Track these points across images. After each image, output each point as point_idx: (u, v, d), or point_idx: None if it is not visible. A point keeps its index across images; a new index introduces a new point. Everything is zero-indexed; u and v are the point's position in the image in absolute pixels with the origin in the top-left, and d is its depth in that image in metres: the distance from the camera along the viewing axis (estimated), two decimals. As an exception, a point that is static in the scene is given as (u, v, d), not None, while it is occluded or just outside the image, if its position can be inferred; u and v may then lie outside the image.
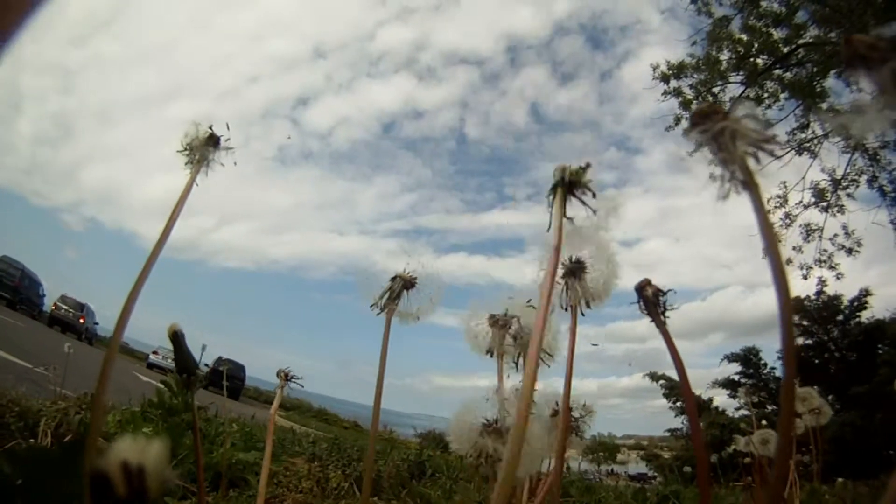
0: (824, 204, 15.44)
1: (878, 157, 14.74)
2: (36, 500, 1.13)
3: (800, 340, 26.22)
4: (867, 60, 0.57)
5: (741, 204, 0.61)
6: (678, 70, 15.82)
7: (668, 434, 31.84)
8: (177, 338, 1.30)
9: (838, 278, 15.90)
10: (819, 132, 15.15)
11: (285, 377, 1.66)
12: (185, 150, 1.09)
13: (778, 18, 14.61)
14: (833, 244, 15.38)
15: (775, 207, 15.77)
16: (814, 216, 15.72)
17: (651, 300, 1.05)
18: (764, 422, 3.62)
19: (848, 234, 15.20)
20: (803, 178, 15.66)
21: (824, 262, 15.58)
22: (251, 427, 5.00)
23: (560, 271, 1.15)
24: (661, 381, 28.31)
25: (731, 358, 28.62)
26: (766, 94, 15.62)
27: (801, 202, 15.77)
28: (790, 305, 0.60)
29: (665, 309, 1.05)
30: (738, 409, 24.94)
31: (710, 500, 1.26)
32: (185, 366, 1.34)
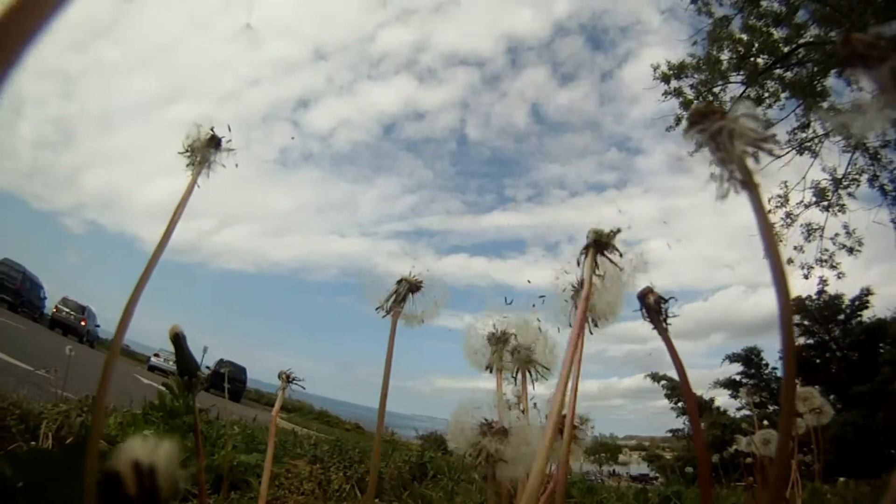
0: (825, 203, 15.44)
1: (878, 156, 14.75)
2: (37, 503, 1.13)
3: (801, 340, 26.17)
4: (866, 59, 0.57)
5: (742, 204, 0.61)
6: (679, 70, 15.83)
7: (669, 435, 31.80)
8: (178, 339, 1.30)
9: (839, 278, 15.92)
10: (820, 132, 15.16)
11: (287, 379, 1.65)
12: (187, 151, 1.08)
13: (778, 18, 14.61)
14: (834, 243, 15.39)
15: (776, 207, 15.79)
16: (815, 216, 15.74)
17: (653, 307, 1.07)
18: (766, 422, 3.61)
19: (849, 234, 15.21)
20: (804, 177, 15.67)
21: (825, 261, 15.58)
22: (252, 429, 5.00)
23: (570, 290, 1.19)
24: (663, 382, 28.29)
25: (733, 358, 28.58)
26: (766, 94, 15.62)
27: (801, 202, 15.78)
28: (790, 305, 0.60)
29: (667, 316, 1.07)
30: (739, 409, 24.91)
31: (712, 501, 1.26)
32: (186, 368, 1.34)
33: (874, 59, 0.56)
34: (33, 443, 2.57)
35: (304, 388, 1.69)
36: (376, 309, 1.20)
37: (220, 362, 24.11)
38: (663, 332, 1.06)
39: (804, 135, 15.55)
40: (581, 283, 1.15)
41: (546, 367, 1.26)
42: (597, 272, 0.97)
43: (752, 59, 15.42)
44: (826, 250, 15.51)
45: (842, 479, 4.50)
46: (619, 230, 0.95)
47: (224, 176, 1.12)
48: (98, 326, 31.70)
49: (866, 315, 24.85)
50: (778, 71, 15.42)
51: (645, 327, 1.07)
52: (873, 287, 24.74)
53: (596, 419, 1.47)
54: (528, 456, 1.01)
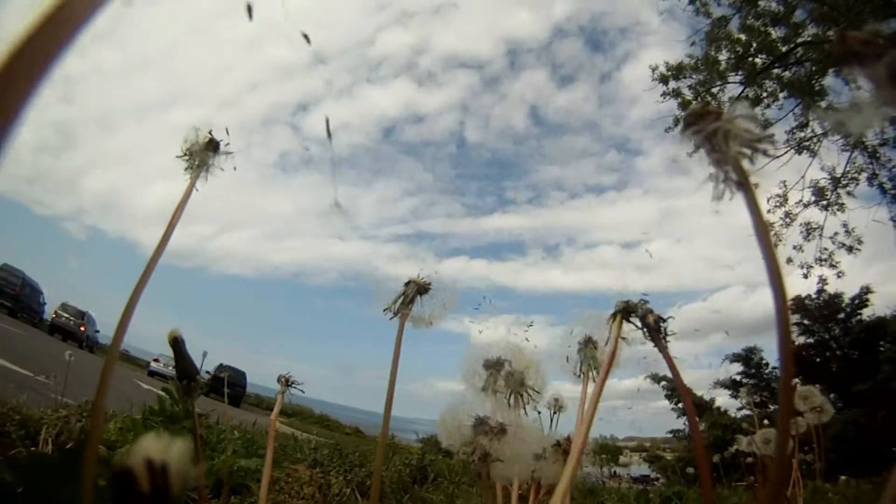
0: (824, 202, 15.46)
1: (877, 154, 14.76)
2: (37, 508, 1.13)
3: (801, 339, 26.17)
4: (861, 57, 0.57)
5: (741, 204, 0.61)
6: (677, 71, 15.84)
7: (670, 435, 31.76)
8: (177, 344, 1.30)
9: (839, 276, 15.93)
10: (818, 131, 15.18)
11: (286, 383, 1.65)
12: (185, 155, 1.08)
13: (776, 17, 14.63)
14: (833, 242, 15.41)
15: (775, 206, 15.80)
16: (814, 215, 15.76)
17: (653, 327, 1.15)
18: (766, 421, 3.61)
19: (848, 233, 15.22)
20: (803, 176, 15.71)
21: (825, 260, 15.60)
22: (252, 434, 5.00)
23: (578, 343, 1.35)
24: (663, 383, 28.27)
25: (733, 358, 28.59)
26: (765, 94, 15.65)
27: (800, 201, 15.80)
28: (786, 305, 0.60)
29: (666, 334, 1.14)
30: (739, 409, 24.92)
31: (713, 500, 1.26)
32: (185, 372, 1.34)
33: (870, 57, 0.56)
34: (33, 448, 2.57)
35: (303, 392, 1.68)
36: (384, 310, 1.20)
37: (220, 367, 24.08)
38: (663, 350, 1.13)
39: (803, 134, 15.57)
40: (587, 340, 1.34)
41: (537, 390, 1.33)
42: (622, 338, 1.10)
43: (750, 58, 15.44)
44: (825, 249, 15.54)
45: (843, 477, 4.49)
46: (646, 301, 1.08)
47: (224, 180, 1.12)
48: (97, 332, 31.65)
49: (866, 313, 24.88)
50: (776, 70, 15.44)
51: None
52: (873, 285, 24.77)
53: (596, 421, 1.50)
54: (525, 455, 1.03)
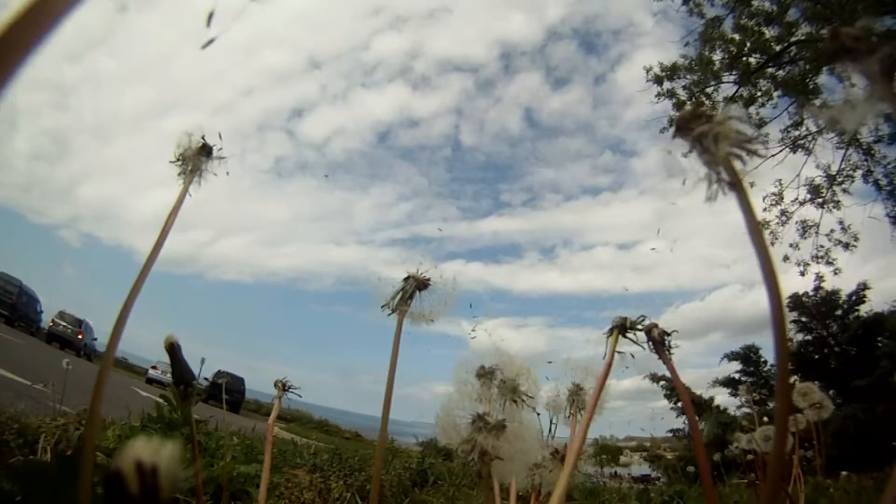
0: (820, 200, 15.53)
1: (872, 151, 14.83)
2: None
3: (799, 336, 26.23)
4: (854, 52, 0.57)
5: (735, 203, 0.62)
6: (671, 71, 15.90)
7: (670, 435, 31.78)
8: (173, 349, 1.30)
9: (836, 273, 16.02)
10: (813, 129, 15.25)
11: (283, 387, 1.65)
12: (178, 160, 1.08)
13: (769, 17, 14.69)
14: (830, 239, 15.49)
15: (771, 205, 15.86)
16: (810, 212, 15.81)
17: (658, 340, 1.24)
18: (766, 419, 3.62)
19: (844, 230, 15.30)
20: (798, 174, 15.78)
21: (821, 257, 15.67)
22: (252, 440, 4.99)
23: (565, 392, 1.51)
24: (662, 383, 28.31)
25: (731, 356, 28.63)
26: (759, 93, 15.73)
27: (796, 199, 15.87)
28: (781, 302, 0.60)
29: (670, 347, 1.25)
30: (739, 407, 24.94)
31: (715, 498, 1.27)
32: (182, 377, 1.34)
33: (862, 53, 0.56)
34: (31, 457, 2.56)
35: (300, 397, 1.68)
36: (382, 307, 1.17)
37: (219, 373, 24.09)
38: (668, 362, 1.24)
39: (797, 132, 15.65)
40: (575, 389, 1.50)
41: (531, 395, 1.34)
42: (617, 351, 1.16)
43: (744, 58, 15.49)
44: (822, 246, 15.61)
45: (844, 473, 4.50)
46: (642, 318, 1.14)
47: (219, 186, 1.12)
48: (95, 340, 31.60)
49: (864, 309, 24.94)
50: (770, 70, 15.51)
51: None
52: (870, 281, 24.83)
53: (598, 421, 1.54)
54: (525, 453, 1.03)
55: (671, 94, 15.93)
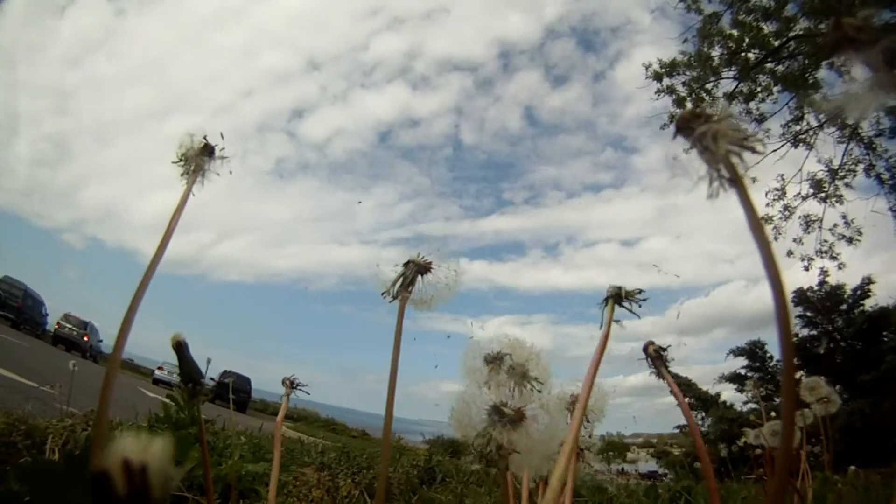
0: (822, 194, 15.47)
1: (873, 145, 14.77)
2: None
3: (805, 331, 26.25)
4: (856, 42, 0.57)
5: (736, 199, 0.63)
6: (670, 68, 15.85)
7: (677, 431, 31.77)
8: (180, 348, 1.30)
9: (840, 268, 15.92)
10: (814, 123, 15.21)
11: (291, 385, 1.65)
12: (180, 160, 1.08)
13: (767, 12, 14.65)
14: (833, 234, 15.41)
15: (774, 200, 15.82)
16: (813, 207, 15.76)
17: (654, 356, 1.34)
18: (773, 413, 3.61)
19: (848, 224, 15.23)
20: (800, 169, 15.73)
21: (825, 252, 15.60)
22: (259, 438, 5.00)
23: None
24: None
25: (737, 352, 28.64)
26: (759, 89, 15.67)
27: (799, 194, 15.81)
28: (785, 298, 0.61)
29: (666, 361, 1.34)
30: (745, 403, 24.95)
31: (716, 491, 1.28)
32: (190, 375, 1.34)
33: (865, 43, 0.56)
34: (40, 457, 2.57)
35: (308, 394, 1.68)
36: (382, 294, 1.14)
37: (225, 373, 24.15)
38: (666, 376, 1.34)
39: (798, 127, 15.60)
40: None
41: (541, 381, 1.30)
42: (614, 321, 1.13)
43: (743, 54, 15.45)
44: (825, 241, 15.55)
45: (852, 467, 4.49)
46: (639, 290, 1.12)
47: (221, 188, 1.11)
48: (101, 341, 31.72)
49: (868, 304, 24.95)
50: (769, 65, 15.45)
51: (647, 326, 1.24)
52: (874, 276, 24.83)
53: (604, 418, 1.55)
54: (544, 444, 0.99)
55: (671, 90, 15.88)
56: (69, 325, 28.83)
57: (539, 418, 1.01)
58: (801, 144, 15.59)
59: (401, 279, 1.14)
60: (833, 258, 15.64)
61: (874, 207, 14.91)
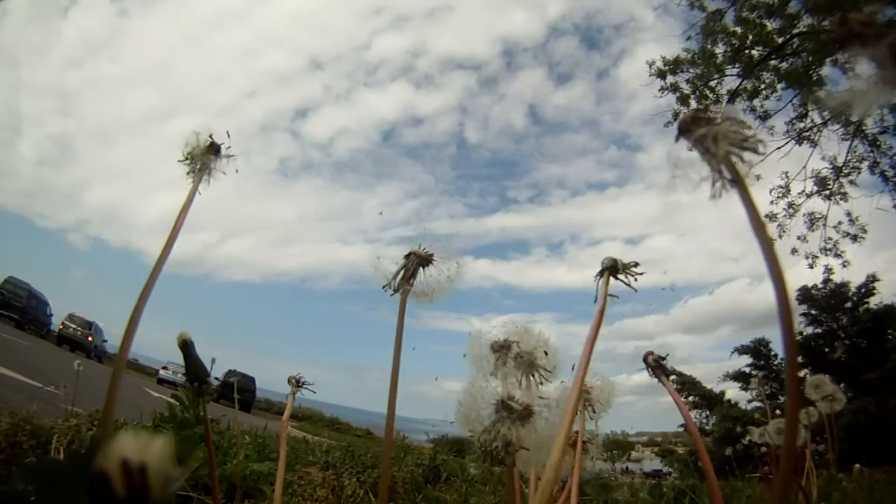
0: (827, 192, 15.41)
1: (878, 142, 14.72)
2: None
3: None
4: (863, 37, 0.57)
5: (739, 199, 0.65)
6: (674, 65, 15.81)
7: (681, 429, 31.73)
8: (186, 346, 1.30)
9: (844, 266, 15.88)
10: (818, 121, 15.17)
11: (296, 383, 1.65)
12: (187, 159, 1.08)
13: (771, 9, 14.61)
14: (838, 232, 15.35)
15: (778, 197, 15.78)
16: (817, 205, 15.71)
17: (654, 365, 1.40)
18: (778, 412, 3.60)
19: (852, 221, 15.16)
20: (804, 167, 15.67)
21: (830, 250, 15.55)
22: (264, 438, 5.00)
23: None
24: (673, 377, 28.19)
25: (742, 350, 28.56)
26: (762, 86, 15.63)
27: (803, 191, 15.75)
28: (787, 296, 0.61)
29: (665, 369, 1.40)
30: (750, 401, 24.90)
31: (718, 489, 1.28)
32: (196, 374, 1.34)
33: (871, 38, 0.56)
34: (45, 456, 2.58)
35: (314, 392, 1.68)
36: (383, 287, 1.12)
37: (230, 372, 24.16)
38: (666, 384, 1.40)
39: (802, 124, 15.55)
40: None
41: (549, 370, 1.25)
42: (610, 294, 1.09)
43: (746, 51, 15.41)
44: (830, 239, 15.49)
45: (857, 466, 4.48)
46: (635, 263, 1.08)
47: (226, 188, 1.11)
48: (105, 341, 31.80)
49: (873, 302, 24.86)
50: (773, 62, 15.40)
51: (649, 324, 1.16)
52: (879, 273, 24.77)
53: (607, 416, 1.55)
54: (554, 441, 0.93)
55: (674, 87, 15.84)
56: (74, 326, 28.91)
57: (548, 414, 0.97)
58: (805, 142, 15.54)
59: (402, 271, 1.12)
60: (837, 256, 15.61)
61: (878, 205, 14.87)
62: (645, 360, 1.41)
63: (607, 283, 1.08)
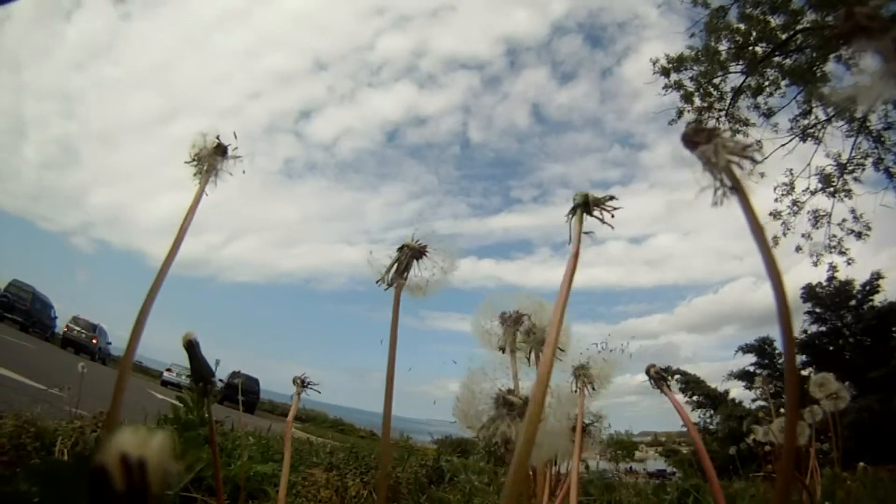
0: (831, 189, 15.36)
1: (882, 139, 14.66)
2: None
3: (814, 327, 26.14)
4: (868, 31, 0.56)
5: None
6: (678, 63, 15.79)
7: (685, 429, 31.64)
8: (191, 346, 1.30)
9: (849, 263, 15.82)
10: (822, 117, 15.13)
11: (301, 384, 1.65)
12: (193, 160, 1.08)
13: (775, 5, 14.57)
14: (842, 229, 15.30)
15: (782, 195, 15.74)
16: (821, 202, 15.66)
17: (656, 377, 1.46)
18: (782, 410, 3.59)
19: (856, 218, 15.12)
20: (809, 164, 15.64)
21: (834, 247, 15.50)
22: (268, 439, 5.00)
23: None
24: (677, 377, 28.22)
25: (746, 349, 28.53)
26: (766, 83, 15.59)
27: (807, 188, 15.71)
28: (786, 300, 0.64)
29: (667, 381, 1.46)
30: (754, 400, 24.84)
31: (720, 490, 1.27)
32: (201, 374, 1.34)
33: (877, 31, 0.56)
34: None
35: (319, 392, 1.67)
36: (377, 282, 1.08)
37: (234, 374, 24.18)
38: (669, 395, 1.44)
39: (806, 121, 15.50)
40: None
41: (562, 349, 1.23)
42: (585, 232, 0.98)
43: (750, 48, 15.37)
44: (834, 236, 15.44)
45: (861, 464, 4.46)
46: (610, 196, 0.97)
47: (230, 189, 1.11)
48: (110, 344, 31.88)
49: (877, 299, 24.80)
50: (777, 59, 15.37)
51: (653, 323, 1.14)
52: (883, 271, 24.71)
53: (610, 416, 1.56)
54: (556, 437, 0.92)
55: (678, 85, 15.83)
56: (78, 328, 28.98)
57: (550, 408, 0.92)
58: (809, 139, 15.51)
59: (395, 265, 1.09)
60: (842, 253, 15.55)
61: (883, 202, 14.83)
62: (647, 372, 1.47)
63: (581, 221, 0.98)
